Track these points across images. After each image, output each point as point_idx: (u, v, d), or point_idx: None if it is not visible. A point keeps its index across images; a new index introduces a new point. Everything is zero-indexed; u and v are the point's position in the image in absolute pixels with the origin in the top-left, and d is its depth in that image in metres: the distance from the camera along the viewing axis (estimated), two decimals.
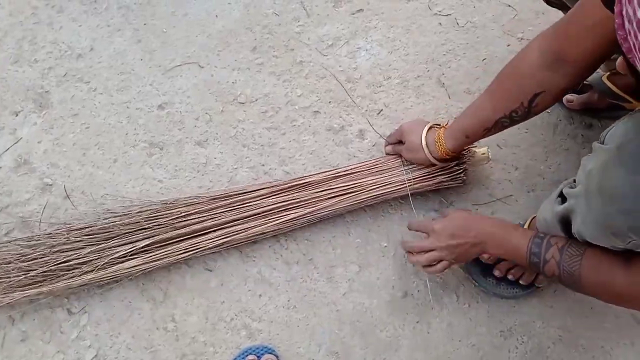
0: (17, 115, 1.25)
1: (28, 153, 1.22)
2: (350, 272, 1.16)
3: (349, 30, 1.38)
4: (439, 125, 1.11)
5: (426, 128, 1.09)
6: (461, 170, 1.15)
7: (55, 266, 1.05)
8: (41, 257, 1.06)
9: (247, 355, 1.07)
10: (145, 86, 1.30)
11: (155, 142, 1.25)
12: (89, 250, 1.06)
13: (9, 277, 1.06)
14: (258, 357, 1.07)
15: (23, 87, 1.28)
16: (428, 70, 1.33)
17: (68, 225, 1.11)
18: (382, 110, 1.29)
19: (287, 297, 1.14)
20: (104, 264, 1.06)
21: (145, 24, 1.36)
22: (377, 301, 1.14)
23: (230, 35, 1.36)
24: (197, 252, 1.10)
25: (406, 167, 1.15)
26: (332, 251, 1.18)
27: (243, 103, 1.30)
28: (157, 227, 1.09)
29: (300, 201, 1.14)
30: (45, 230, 1.14)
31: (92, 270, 1.05)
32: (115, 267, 1.07)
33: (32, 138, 1.23)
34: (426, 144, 1.08)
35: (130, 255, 1.08)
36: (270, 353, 1.08)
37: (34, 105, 1.26)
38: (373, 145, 1.25)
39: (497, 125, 0.98)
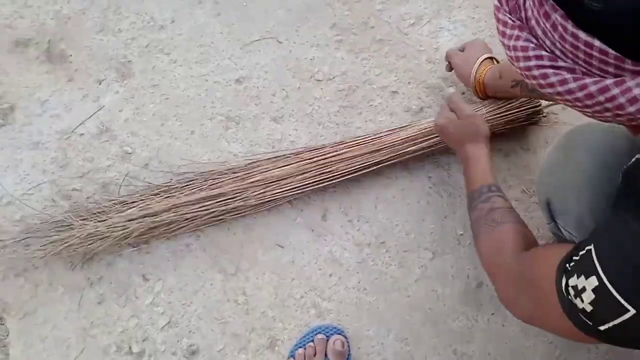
0: (100, 84, 1.28)
1: (110, 121, 1.24)
2: (423, 259, 1.13)
3: (431, 9, 1.33)
4: (497, 61, 1.12)
5: (488, 54, 1.12)
6: (537, 106, 1.15)
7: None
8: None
9: (316, 334, 1.06)
10: (223, 60, 1.30)
11: (231, 116, 1.25)
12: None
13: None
14: (327, 336, 1.06)
15: (107, 56, 1.30)
16: None
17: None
18: (464, 92, 1.24)
19: (358, 279, 1.13)
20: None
21: None
22: (451, 290, 1.11)
23: (310, 10, 1.34)
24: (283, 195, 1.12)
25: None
26: (405, 236, 1.15)
27: (320, 80, 1.28)
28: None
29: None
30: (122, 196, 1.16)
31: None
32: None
33: (113, 106, 1.26)
34: (479, 63, 1.10)
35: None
36: (339, 334, 1.07)
37: (116, 74, 1.29)
38: None
39: (523, 84, 0.98)
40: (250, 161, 1.17)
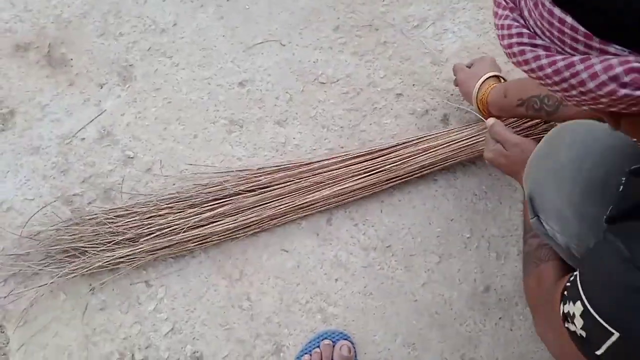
0: (101, 88, 1.26)
1: (111, 125, 1.23)
2: (429, 262, 1.12)
3: (435, 11, 1.32)
4: (504, 80, 1.09)
5: (494, 72, 1.08)
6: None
7: (142, 230, 1.06)
8: (128, 223, 1.08)
9: (322, 339, 1.05)
10: (226, 63, 1.29)
11: (235, 119, 1.23)
12: (172, 217, 1.07)
13: (97, 242, 1.07)
14: (333, 342, 1.05)
15: (108, 60, 1.29)
16: None
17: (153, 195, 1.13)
18: (466, 112, 1.23)
19: (364, 284, 1.11)
20: (188, 227, 1.08)
21: (228, 0, 1.34)
22: (458, 294, 1.10)
23: (313, 13, 1.33)
24: (281, 217, 1.10)
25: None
26: (411, 240, 1.14)
27: (324, 83, 1.27)
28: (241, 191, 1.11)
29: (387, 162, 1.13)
30: (125, 202, 1.15)
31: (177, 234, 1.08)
32: (197, 232, 1.09)
33: (115, 110, 1.24)
34: (483, 80, 1.07)
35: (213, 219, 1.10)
36: (345, 339, 1.06)
37: (118, 78, 1.27)
38: None
39: (529, 103, 0.96)
40: (262, 172, 1.15)
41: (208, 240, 1.10)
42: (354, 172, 1.12)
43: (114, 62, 1.29)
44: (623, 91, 0.41)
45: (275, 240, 1.14)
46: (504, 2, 0.49)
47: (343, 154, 1.15)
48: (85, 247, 1.08)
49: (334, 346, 1.04)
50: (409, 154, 1.12)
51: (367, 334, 1.08)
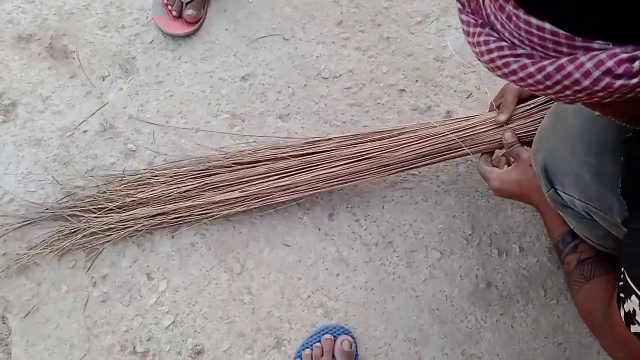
0: (104, 80, 1.26)
1: (114, 118, 1.23)
2: (431, 258, 1.12)
3: (439, 7, 1.32)
4: None
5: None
6: None
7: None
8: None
9: (323, 334, 1.05)
10: (229, 57, 1.28)
11: (237, 113, 1.23)
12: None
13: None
14: (334, 336, 1.05)
15: (110, 52, 1.28)
16: None
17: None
18: (471, 93, 1.23)
19: (365, 279, 1.11)
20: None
21: None
22: (459, 290, 1.10)
23: (316, 7, 1.32)
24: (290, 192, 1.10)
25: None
26: (413, 235, 1.14)
27: (326, 78, 1.26)
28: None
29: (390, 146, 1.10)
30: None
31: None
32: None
33: (117, 103, 1.24)
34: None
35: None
36: (346, 334, 1.06)
37: (120, 71, 1.27)
38: None
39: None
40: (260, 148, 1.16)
41: (203, 212, 1.11)
42: (346, 156, 1.10)
43: (116, 55, 1.28)
44: (619, 82, 0.42)
45: (276, 235, 1.14)
46: (472, 20, 0.48)
47: (340, 136, 1.14)
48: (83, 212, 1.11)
49: (335, 341, 1.05)
50: (406, 140, 1.09)
51: (368, 329, 1.08)
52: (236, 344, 1.08)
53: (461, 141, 1.05)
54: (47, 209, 1.13)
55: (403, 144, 1.08)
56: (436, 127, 1.08)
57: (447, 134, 1.06)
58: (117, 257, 1.12)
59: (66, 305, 1.10)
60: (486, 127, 1.07)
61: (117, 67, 1.27)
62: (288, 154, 1.12)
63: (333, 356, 1.04)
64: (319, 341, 1.05)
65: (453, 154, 1.08)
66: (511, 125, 1.03)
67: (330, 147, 1.12)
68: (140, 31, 1.31)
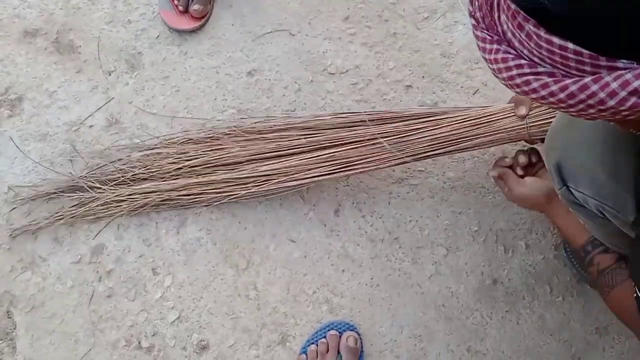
0: (110, 75, 1.26)
1: (119, 113, 1.23)
2: (437, 255, 1.12)
3: (446, 3, 1.31)
4: None
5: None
6: None
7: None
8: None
9: (329, 330, 1.05)
10: (235, 52, 1.28)
11: (243, 108, 1.23)
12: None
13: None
14: (340, 332, 1.05)
15: (116, 47, 1.28)
16: None
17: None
18: (478, 89, 1.23)
19: (370, 275, 1.11)
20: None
21: None
22: (465, 286, 1.10)
23: (323, 3, 1.32)
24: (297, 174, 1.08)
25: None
26: (419, 232, 1.14)
27: (333, 74, 1.26)
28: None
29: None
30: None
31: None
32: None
33: (123, 98, 1.24)
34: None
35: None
36: (352, 330, 1.06)
37: (126, 66, 1.27)
38: None
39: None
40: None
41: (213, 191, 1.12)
42: (351, 138, 1.07)
43: (122, 50, 1.28)
44: None
45: (282, 230, 1.14)
46: (488, 37, 0.47)
47: (348, 113, 1.11)
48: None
49: (340, 337, 1.05)
50: (415, 128, 1.05)
51: (373, 325, 1.08)
52: (241, 339, 1.08)
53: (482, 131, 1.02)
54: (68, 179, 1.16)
55: (451, 122, 1.04)
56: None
57: (505, 117, 1.02)
58: (122, 253, 1.12)
59: (71, 300, 1.10)
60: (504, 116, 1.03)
61: (123, 62, 1.27)
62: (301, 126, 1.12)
63: (338, 352, 1.04)
64: (324, 337, 1.05)
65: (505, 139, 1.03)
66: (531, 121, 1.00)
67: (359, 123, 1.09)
68: (147, 26, 1.30)
